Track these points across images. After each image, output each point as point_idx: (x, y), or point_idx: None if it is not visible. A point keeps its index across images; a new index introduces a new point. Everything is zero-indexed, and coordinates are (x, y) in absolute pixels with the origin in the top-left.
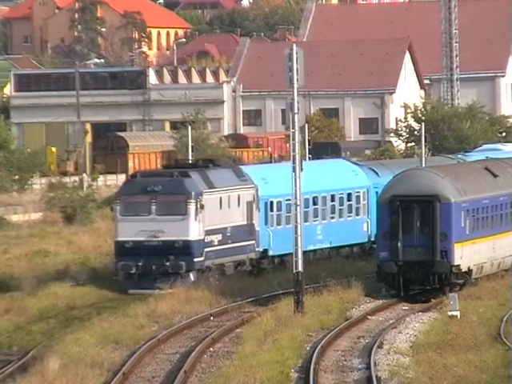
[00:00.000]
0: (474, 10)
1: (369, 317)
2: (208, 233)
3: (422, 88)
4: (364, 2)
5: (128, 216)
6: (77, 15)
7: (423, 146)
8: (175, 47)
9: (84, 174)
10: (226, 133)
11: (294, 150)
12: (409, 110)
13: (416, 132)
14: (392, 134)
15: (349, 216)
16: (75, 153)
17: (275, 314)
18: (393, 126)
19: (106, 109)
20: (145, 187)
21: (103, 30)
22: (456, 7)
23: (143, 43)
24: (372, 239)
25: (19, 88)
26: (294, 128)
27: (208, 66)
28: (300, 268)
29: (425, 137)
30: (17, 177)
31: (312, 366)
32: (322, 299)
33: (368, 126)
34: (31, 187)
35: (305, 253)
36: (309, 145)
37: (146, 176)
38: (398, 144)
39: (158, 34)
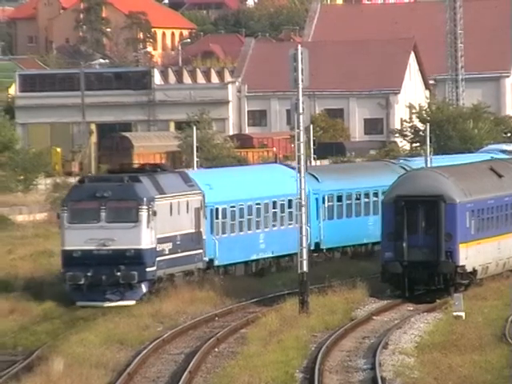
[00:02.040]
0: (478, 11)
1: (374, 317)
2: (159, 241)
3: (427, 88)
4: (369, 3)
5: (76, 223)
6: (82, 15)
7: (428, 147)
8: (180, 47)
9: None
10: (230, 133)
11: (298, 151)
12: (414, 111)
13: (421, 132)
14: (397, 135)
15: (289, 224)
16: (80, 153)
17: (280, 315)
18: (398, 126)
19: (111, 109)
20: (93, 193)
21: (108, 30)
22: (461, 7)
23: (148, 43)
24: (312, 248)
25: (24, 88)
26: (298, 128)
27: (213, 66)
28: (305, 268)
29: (430, 137)
30: (22, 177)
31: (317, 367)
32: (326, 299)
33: (373, 126)
34: (36, 187)
35: (247, 263)
36: (314, 145)
37: (95, 181)
38: (403, 144)
39: (163, 34)
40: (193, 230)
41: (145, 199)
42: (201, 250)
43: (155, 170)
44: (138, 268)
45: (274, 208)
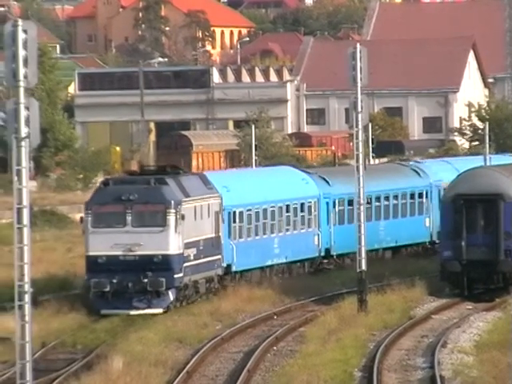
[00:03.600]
0: None
1: (432, 316)
2: (185, 246)
3: (486, 87)
4: (428, 1)
5: (100, 228)
6: (141, 14)
7: (487, 145)
8: (239, 46)
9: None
10: (289, 131)
11: (357, 149)
12: (473, 109)
13: (480, 131)
14: (456, 133)
15: (302, 228)
16: (139, 152)
17: (339, 313)
18: (457, 124)
19: (170, 108)
20: (119, 196)
21: (167, 29)
22: None
23: (207, 42)
24: (322, 254)
25: (83, 87)
26: (357, 127)
27: (271, 64)
28: (363, 267)
29: (489, 136)
30: (81, 176)
31: (375, 365)
32: (385, 298)
33: (432, 124)
34: (95, 186)
35: (262, 269)
36: (372, 144)
37: (120, 183)
38: (462, 143)
39: (222, 33)
40: (213, 235)
41: (173, 202)
42: (220, 256)
43: (177, 171)
44: (165, 274)
45: (287, 212)
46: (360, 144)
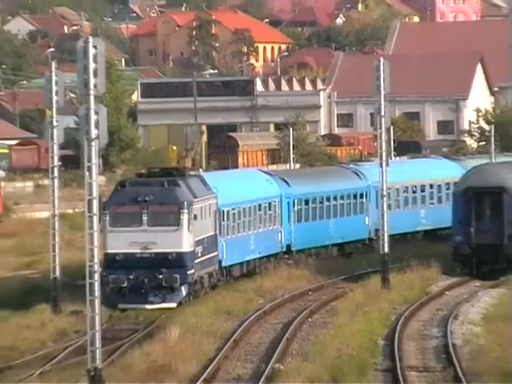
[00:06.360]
0: None
1: (446, 292)
2: (196, 244)
3: (491, 94)
4: (442, 21)
5: (118, 227)
6: (194, 32)
7: (492, 145)
8: (279, 59)
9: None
10: (322, 133)
11: (381, 148)
12: (480, 114)
13: (487, 133)
14: (466, 135)
15: (269, 225)
16: (193, 151)
17: (365, 290)
18: (466, 127)
19: (219, 112)
20: (135, 197)
21: (217, 44)
22: None
23: (251, 56)
24: (284, 249)
25: (145, 95)
26: (381, 129)
27: (307, 75)
28: (386, 250)
29: (494, 137)
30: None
31: (396, 335)
32: (405, 277)
33: (445, 127)
34: None
35: (241, 264)
36: (394, 143)
37: (136, 185)
38: (471, 143)
39: (264, 48)
40: (213, 233)
41: (185, 203)
42: (217, 252)
43: (184, 173)
44: (179, 271)
45: (259, 210)
46: (383, 144)
